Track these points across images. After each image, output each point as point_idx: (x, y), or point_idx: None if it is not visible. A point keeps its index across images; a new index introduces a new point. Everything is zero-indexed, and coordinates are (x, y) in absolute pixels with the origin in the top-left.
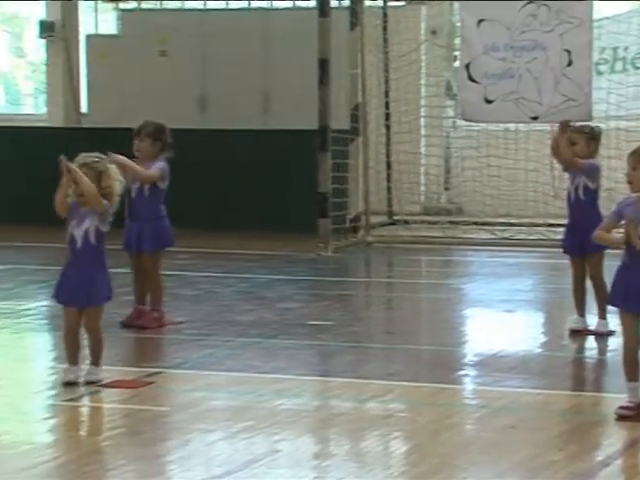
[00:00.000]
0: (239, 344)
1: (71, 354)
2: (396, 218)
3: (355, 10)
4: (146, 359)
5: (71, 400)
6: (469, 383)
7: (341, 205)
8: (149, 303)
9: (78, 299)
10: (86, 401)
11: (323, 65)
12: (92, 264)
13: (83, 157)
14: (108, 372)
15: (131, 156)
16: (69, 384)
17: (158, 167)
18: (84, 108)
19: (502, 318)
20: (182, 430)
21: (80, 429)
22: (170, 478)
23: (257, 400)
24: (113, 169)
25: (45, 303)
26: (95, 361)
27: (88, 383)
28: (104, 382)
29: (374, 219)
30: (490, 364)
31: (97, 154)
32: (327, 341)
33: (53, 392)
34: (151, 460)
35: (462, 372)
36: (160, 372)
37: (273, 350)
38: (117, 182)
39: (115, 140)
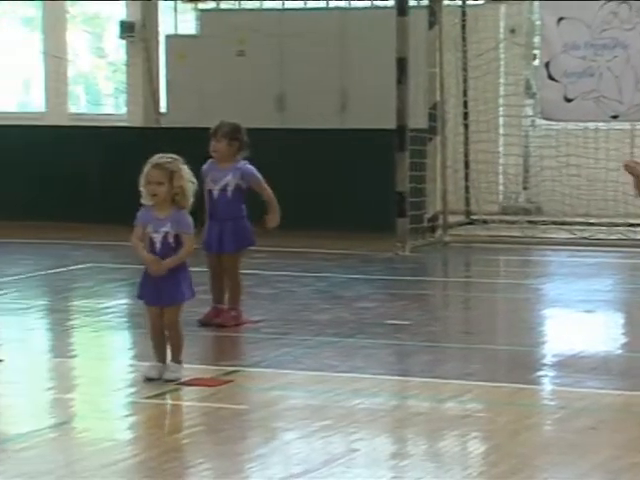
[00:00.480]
0: (316, 343)
1: (157, 350)
2: (474, 218)
3: (434, 9)
4: (224, 357)
5: (150, 398)
6: (548, 384)
7: (419, 204)
8: (227, 302)
9: (161, 299)
10: (165, 399)
11: (401, 64)
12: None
13: (157, 157)
14: (186, 370)
15: (208, 156)
16: (150, 380)
17: (258, 178)
18: (163, 108)
19: (581, 318)
20: (260, 428)
21: (159, 427)
22: (249, 476)
23: (335, 399)
24: (186, 169)
25: (124, 301)
26: (175, 358)
27: (167, 381)
28: (183, 380)
29: (452, 219)
30: (570, 365)
31: (171, 155)
32: (404, 340)
33: (133, 390)
34: (230, 458)
35: (541, 372)
36: (238, 370)
37: (350, 349)
38: (189, 183)
39: (194, 140)
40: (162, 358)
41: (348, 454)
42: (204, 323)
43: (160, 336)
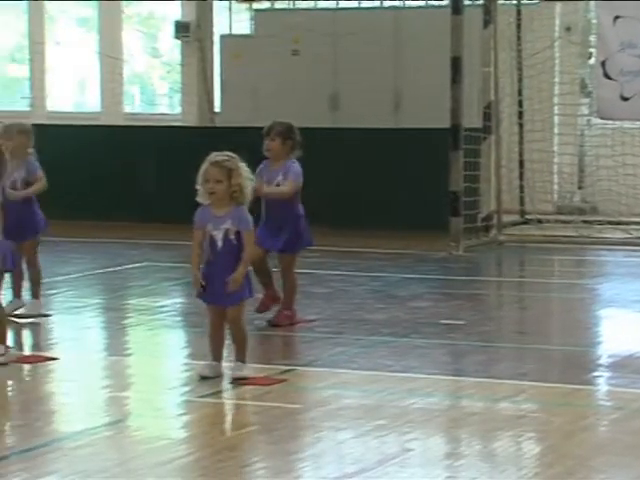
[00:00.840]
0: (370, 342)
1: (214, 349)
2: (528, 217)
3: (489, 7)
4: (278, 356)
5: (205, 397)
6: (604, 384)
7: (473, 204)
8: (282, 302)
9: (222, 298)
10: (219, 398)
11: (456, 63)
12: (232, 264)
13: (214, 155)
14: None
15: (262, 156)
16: (204, 378)
17: (292, 178)
18: (217, 107)
19: (637, 319)
20: (314, 428)
21: (213, 425)
22: (302, 475)
23: (389, 399)
24: (244, 167)
25: (179, 300)
26: (241, 357)
27: (235, 379)
28: (237, 379)
29: (506, 218)
30: (626, 365)
31: (229, 153)
32: (458, 340)
33: (187, 388)
34: (283, 457)
35: (596, 373)
36: (292, 369)
37: (404, 349)
38: (247, 180)
39: (248, 139)
40: (218, 357)
41: (402, 454)
42: (273, 324)
43: (219, 335)
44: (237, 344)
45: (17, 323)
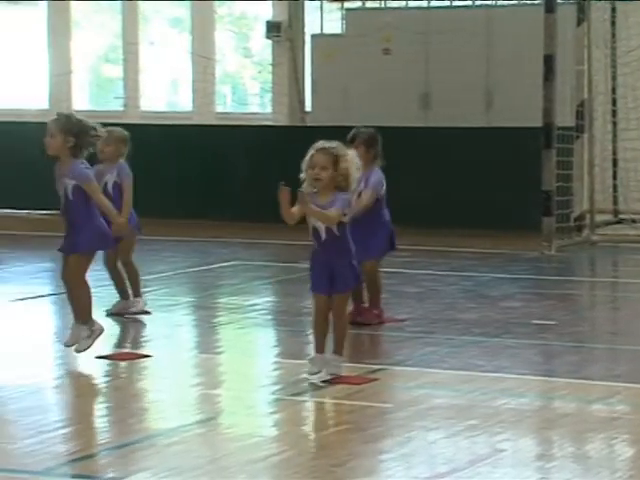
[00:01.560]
0: (462, 342)
1: (319, 340)
2: (622, 217)
3: (582, 5)
4: (369, 356)
5: (296, 395)
6: None
7: (565, 203)
8: (367, 301)
9: (325, 287)
10: (311, 396)
11: (549, 61)
12: (337, 253)
13: (321, 143)
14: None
15: None
16: (314, 373)
17: (372, 187)
18: (308, 107)
19: None
20: (405, 427)
21: (305, 424)
22: (394, 475)
23: (480, 399)
24: (351, 154)
25: (270, 299)
26: (338, 350)
27: (329, 374)
28: (327, 378)
29: (599, 217)
30: None
31: (335, 142)
32: (550, 341)
33: (278, 387)
34: (375, 456)
35: None
36: (383, 369)
37: (496, 349)
38: (353, 165)
39: (338, 138)
40: (321, 348)
41: (494, 454)
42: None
43: (324, 323)
44: (338, 336)
45: (115, 320)
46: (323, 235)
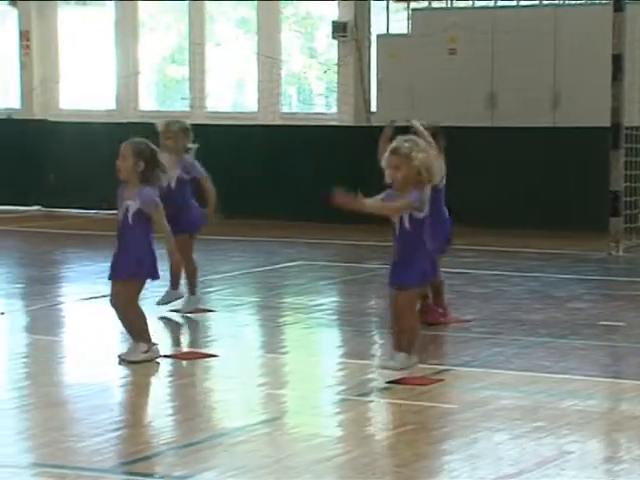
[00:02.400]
0: (528, 343)
1: (396, 337)
2: None
3: None
4: (435, 356)
5: (361, 395)
6: None
7: (633, 204)
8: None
9: (395, 280)
10: (376, 397)
11: (617, 61)
12: (410, 248)
13: (395, 143)
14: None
15: None
16: (386, 369)
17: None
18: (374, 107)
19: None
20: (471, 428)
21: (371, 424)
22: (460, 476)
23: (547, 400)
24: (423, 146)
25: (335, 299)
26: (407, 347)
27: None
28: (394, 378)
29: None
30: None
31: (411, 137)
32: (618, 342)
33: (343, 387)
34: (440, 457)
35: None
36: (449, 369)
37: (563, 350)
38: (428, 158)
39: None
40: (399, 345)
41: (561, 456)
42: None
43: (398, 322)
44: (405, 334)
45: (177, 320)
46: (397, 229)
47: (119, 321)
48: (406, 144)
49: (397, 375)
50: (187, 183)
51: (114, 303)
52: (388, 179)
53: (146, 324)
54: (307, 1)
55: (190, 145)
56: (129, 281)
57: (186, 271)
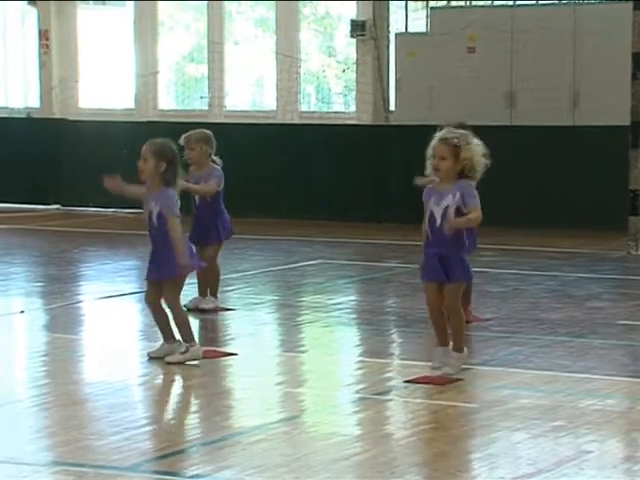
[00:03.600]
0: (547, 342)
1: (439, 332)
2: None
3: None
4: None
5: (379, 394)
6: None
7: None
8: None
9: (438, 275)
10: (394, 396)
11: (637, 59)
12: (449, 242)
13: (444, 132)
14: (416, 367)
15: None
16: (436, 369)
17: None
18: (392, 106)
19: None
20: (490, 427)
21: (389, 423)
22: (479, 475)
23: (566, 399)
24: (475, 142)
25: (354, 297)
26: (456, 345)
27: (445, 374)
28: (412, 377)
29: None
30: None
31: (461, 131)
32: (637, 341)
33: (362, 386)
34: (459, 456)
35: None
36: (468, 368)
37: (582, 349)
38: (477, 154)
39: (421, 137)
40: (445, 341)
41: (580, 456)
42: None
43: (440, 316)
44: (452, 329)
45: (199, 319)
46: (438, 220)
47: (155, 321)
48: (457, 135)
49: (413, 376)
50: (219, 193)
51: (148, 300)
52: (429, 169)
53: (188, 321)
54: (326, 0)
55: (215, 157)
56: (167, 282)
57: (212, 275)
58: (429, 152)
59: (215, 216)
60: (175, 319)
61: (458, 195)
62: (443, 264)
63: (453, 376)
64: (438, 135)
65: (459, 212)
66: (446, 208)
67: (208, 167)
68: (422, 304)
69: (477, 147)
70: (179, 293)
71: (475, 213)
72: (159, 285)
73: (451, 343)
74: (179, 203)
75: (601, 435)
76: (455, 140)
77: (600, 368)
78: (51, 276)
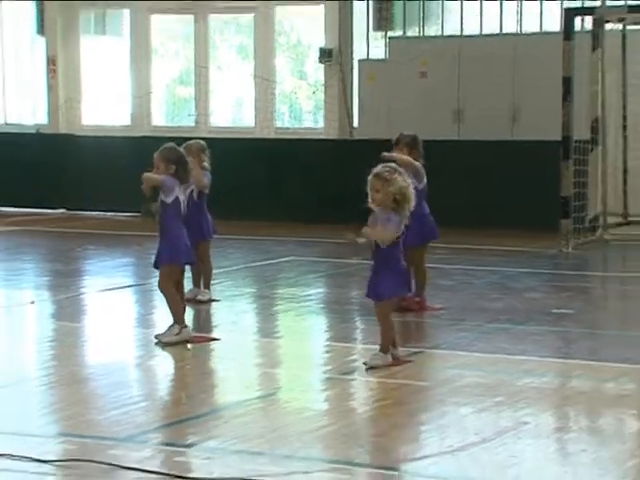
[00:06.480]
0: (490, 329)
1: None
2: (631, 219)
3: (596, 33)
4: (410, 340)
5: (345, 374)
6: None
7: (581, 207)
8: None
9: (369, 291)
10: (357, 375)
11: (567, 83)
12: (383, 266)
13: (377, 168)
14: (376, 351)
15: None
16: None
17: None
18: (355, 123)
19: None
20: (440, 403)
21: (353, 400)
22: (431, 444)
23: (506, 378)
24: (401, 177)
25: (322, 290)
26: (380, 346)
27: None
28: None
29: (611, 219)
30: None
31: (391, 165)
32: (568, 327)
33: (330, 367)
34: (414, 428)
35: None
36: (422, 351)
37: (520, 334)
38: (403, 186)
39: (382, 150)
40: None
41: (518, 427)
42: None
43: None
44: (381, 336)
45: (192, 309)
46: (373, 244)
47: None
48: (386, 170)
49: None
50: (204, 195)
51: (158, 286)
52: (370, 200)
53: (180, 306)
54: (299, 30)
55: (206, 164)
56: (163, 268)
57: (203, 270)
58: (367, 185)
59: (199, 216)
60: (167, 303)
61: (391, 230)
62: (373, 280)
63: (374, 363)
64: (373, 170)
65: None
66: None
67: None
68: None
69: (401, 181)
70: (169, 279)
71: (381, 228)
72: None
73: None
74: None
75: (536, 409)
76: (386, 174)
77: (536, 351)
78: (57, 271)
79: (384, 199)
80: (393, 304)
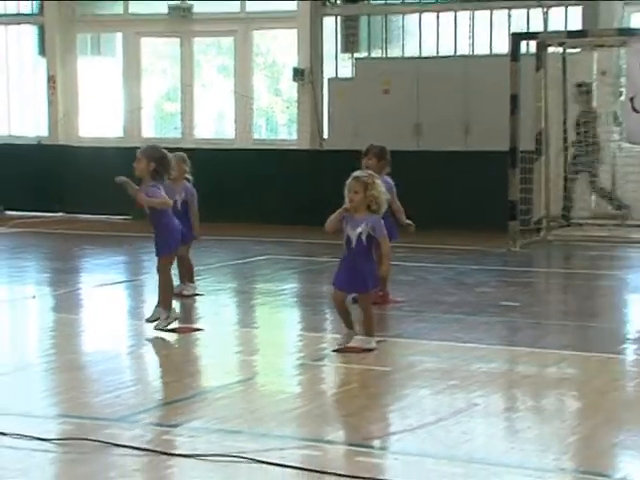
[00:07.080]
0: (445, 319)
1: (345, 321)
2: (571, 221)
3: (540, 56)
4: (376, 329)
5: (315, 360)
6: (631, 354)
7: (527, 210)
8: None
9: (345, 285)
10: (327, 362)
11: (514, 100)
12: (362, 260)
13: (357, 173)
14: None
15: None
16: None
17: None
18: (325, 135)
19: None
20: (401, 386)
21: (323, 383)
22: (393, 423)
23: (460, 364)
24: (380, 184)
25: (296, 285)
26: (368, 333)
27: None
28: (340, 347)
29: (553, 222)
30: None
31: (369, 172)
32: (515, 318)
33: (302, 354)
34: (377, 409)
35: (625, 345)
36: (385, 340)
37: (472, 324)
38: (382, 193)
39: (349, 159)
40: (350, 325)
41: (471, 407)
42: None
43: (344, 311)
44: (365, 325)
45: (177, 302)
46: (354, 243)
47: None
48: (365, 175)
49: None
50: (187, 204)
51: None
52: (347, 200)
53: (170, 291)
54: (273, 52)
55: (188, 175)
56: (161, 256)
57: (187, 267)
58: (346, 188)
59: (186, 222)
60: (160, 286)
61: (370, 225)
62: (355, 275)
63: (366, 347)
64: (353, 174)
65: (369, 237)
66: (360, 234)
67: (183, 184)
68: None
69: (380, 187)
70: (167, 265)
71: (385, 245)
72: None
73: (356, 327)
74: (163, 194)
75: (486, 391)
76: (365, 178)
77: (486, 339)
78: (57, 269)
79: (363, 201)
80: (373, 294)
